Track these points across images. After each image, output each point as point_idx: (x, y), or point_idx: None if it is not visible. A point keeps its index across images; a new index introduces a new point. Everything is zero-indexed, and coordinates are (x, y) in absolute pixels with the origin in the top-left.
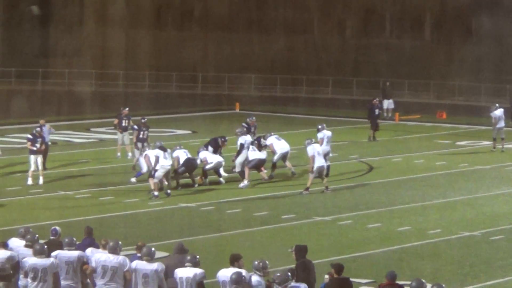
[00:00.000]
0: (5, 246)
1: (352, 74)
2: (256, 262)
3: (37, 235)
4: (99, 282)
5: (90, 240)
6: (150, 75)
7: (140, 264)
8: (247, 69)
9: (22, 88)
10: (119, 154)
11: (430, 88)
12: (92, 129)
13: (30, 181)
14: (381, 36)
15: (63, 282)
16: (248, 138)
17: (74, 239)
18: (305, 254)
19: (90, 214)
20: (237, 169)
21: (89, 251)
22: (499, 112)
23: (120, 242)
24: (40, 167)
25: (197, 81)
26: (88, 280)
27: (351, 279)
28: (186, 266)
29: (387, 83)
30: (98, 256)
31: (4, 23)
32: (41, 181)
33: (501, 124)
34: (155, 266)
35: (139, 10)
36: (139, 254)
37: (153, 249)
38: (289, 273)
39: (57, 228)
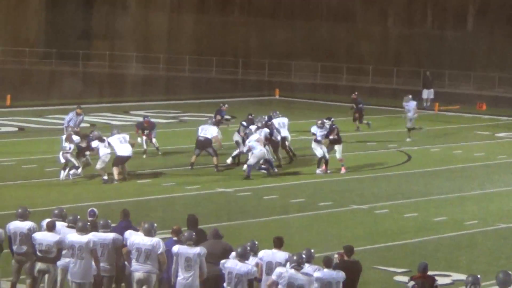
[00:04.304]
0: (53, 228)
1: (394, 63)
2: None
3: (78, 216)
4: (134, 263)
5: (126, 222)
6: (191, 59)
7: (182, 248)
8: (289, 56)
9: (64, 69)
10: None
11: (471, 79)
12: (131, 112)
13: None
14: (423, 26)
15: None
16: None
17: (109, 221)
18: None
19: (127, 196)
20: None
21: (128, 233)
22: None
23: (155, 225)
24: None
25: (238, 66)
26: (126, 262)
27: (386, 268)
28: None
29: (427, 72)
30: (133, 238)
31: (47, 4)
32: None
33: None
34: (197, 250)
35: None
36: (175, 238)
37: (193, 233)
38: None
39: (95, 209)
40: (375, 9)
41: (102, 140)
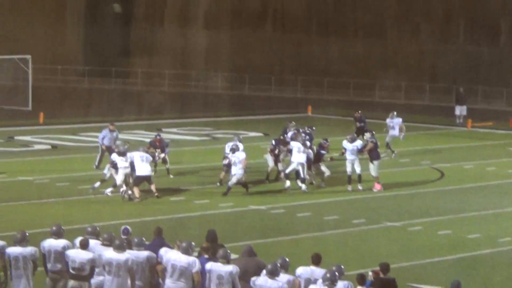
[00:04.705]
0: (86, 246)
1: (428, 79)
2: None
3: (113, 234)
4: (167, 280)
5: (160, 240)
6: (223, 76)
7: (215, 266)
8: (323, 72)
9: (102, 86)
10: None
11: (504, 95)
12: (164, 129)
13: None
14: (456, 42)
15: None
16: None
17: (144, 239)
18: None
19: (160, 214)
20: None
21: (163, 250)
22: None
23: (193, 243)
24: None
25: (271, 83)
26: (160, 280)
27: (420, 286)
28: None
29: (460, 89)
30: (169, 255)
31: (86, 21)
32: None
33: None
34: (230, 268)
35: (219, 11)
36: (206, 256)
37: (228, 251)
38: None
39: (128, 227)
40: (409, 25)
41: (121, 154)
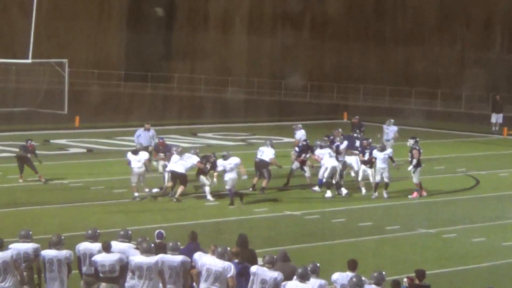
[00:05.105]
0: (109, 248)
1: (468, 87)
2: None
3: (147, 238)
4: (202, 284)
5: (194, 245)
6: (262, 81)
7: (261, 270)
8: (360, 79)
9: (144, 91)
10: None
11: None
12: (199, 134)
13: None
14: (496, 50)
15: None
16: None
17: (179, 243)
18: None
19: (195, 219)
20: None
21: (197, 255)
22: None
23: (228, 249)
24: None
25: (308, 89)
26: (194, 284)
27: None
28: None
29: (497, 96)
30: (204, 260)
31: (128, 26)
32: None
33: None
34: (275, 274)
35: (261, 16)
36: (236, 260)
37: (275, 256)
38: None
39: (162, 231)
40: (449, 33)
41: (135, 153)
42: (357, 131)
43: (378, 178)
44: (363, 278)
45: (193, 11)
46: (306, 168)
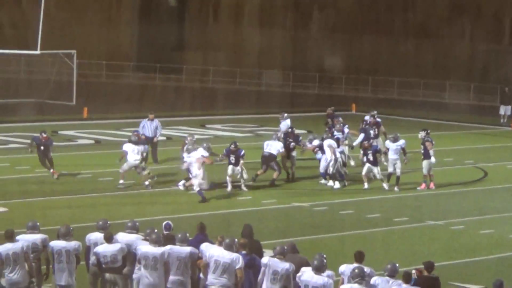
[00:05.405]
0: (111, 239)
1: (479, 79)
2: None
3: (156, 230)
4: (210, 276)
5: (202, 236)
6: (274, 73)
7: (272, 261)
8: (371, 71)
9: (155, 82)
10: None
11: None
12: (207, 126)
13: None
14: (505, 42)
15: (173, 277)
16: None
17: (187, 234)
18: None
19: (203, 210)
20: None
21: (204, 245)
22: None
23: (236, 240)
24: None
25: (316, 80)
26: (201, 275)
27: (462, 284)
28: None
29: (506, 88)
30: (212, 251)
31: (140, 17)
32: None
33: None
34: (286, 265)
35: (272, 7)
36: (243, 252)
37: (285, 247)
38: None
39: (170, 222)
40: (459, 25)
41: (135, 143)
42: (340, 125)
43: (391, 169)
44: (366, 270)
45: (205, 2)
46: (293, 154)
